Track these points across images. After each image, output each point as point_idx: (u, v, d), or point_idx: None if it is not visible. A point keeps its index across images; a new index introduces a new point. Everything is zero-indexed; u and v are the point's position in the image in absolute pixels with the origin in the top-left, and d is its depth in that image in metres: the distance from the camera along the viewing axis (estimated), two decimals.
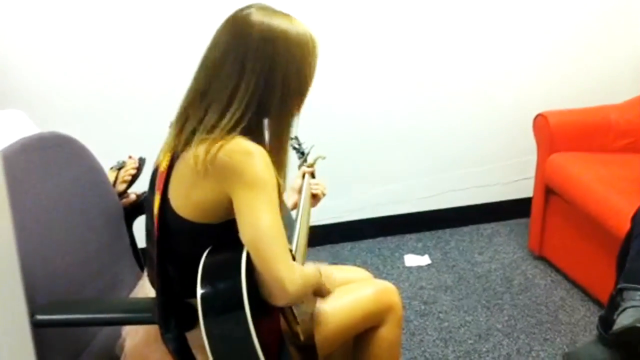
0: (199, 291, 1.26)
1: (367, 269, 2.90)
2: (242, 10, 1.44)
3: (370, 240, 3.24)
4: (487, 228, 3.38)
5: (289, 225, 1.56)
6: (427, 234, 3.31)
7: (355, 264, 3.02)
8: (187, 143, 1.39)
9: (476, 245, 3.22)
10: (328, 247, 3.17)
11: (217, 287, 1.28)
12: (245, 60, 1.38)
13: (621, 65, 3.35)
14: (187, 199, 1.39)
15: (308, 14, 2.78)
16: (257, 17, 1.40)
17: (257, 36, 1.38)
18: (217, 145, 1.33)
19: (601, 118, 3.02)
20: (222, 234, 1.37)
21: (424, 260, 3.07)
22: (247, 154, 1.33)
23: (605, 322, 2.25)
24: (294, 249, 1.58)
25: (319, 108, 2.94)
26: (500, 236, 3.31)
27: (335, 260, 3.06)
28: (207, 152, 1.33)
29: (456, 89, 3.16)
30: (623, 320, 2.06)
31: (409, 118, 3.14)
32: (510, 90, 3.24)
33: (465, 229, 3.36)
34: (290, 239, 1.56)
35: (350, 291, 1.75)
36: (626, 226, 2.33)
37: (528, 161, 3.12)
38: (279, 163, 1.45)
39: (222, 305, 1.26)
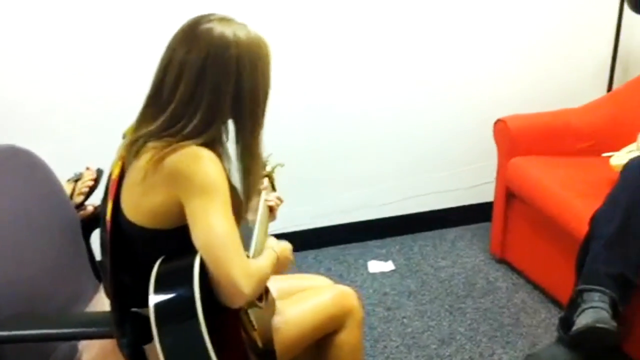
0: (151, 301, 1.24)
1: (331, 276, 2.94)
2: (198, 19, 1.43)
3: (334, 247, 3.23)
4: (450, 233, 3.39)
5: (247, 238, 1.56)
6: (391, 239, 3.31)
7: (319, 272, 3.01)
8: (139, 151, 1.38)
9: (439, 250, 3.23)
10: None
11: (169, 296, 1.26)
12: (202, 70, 1.37)
13: (581, 69, 3.40)
14: (139, 206, 1.37)
15: (277, 18, 2.81)
16: (213, 26, 1.39)
17: (214, 45, 1.38)
18: (167, 150, 1.32)
19: (561, 122, 3.06)
20: (176, 239, 1.35)
21: (388, 266, 3.07)
22: (197, 158, 1.32)
23: (566, 324, 2.27)
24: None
25: (278, 114, 2.94)
26: (463, 240, 3.32)
27: (299, 269, 3.04)
28: (158, 157, 1.31)
29: (417, 96, 3.17)
30: (582, 320, 2.09)
31: (369, 125, 3.14)
32: (471, 95, 3.26)
33: (429, 234, 3.37)
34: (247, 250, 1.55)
35: (309, 297, 1.76)
36: (585, 228, 2.36)
37: (489, 165, 3.14)
38: (252, 174, 1.45)
39: (176, 315, 1.24)
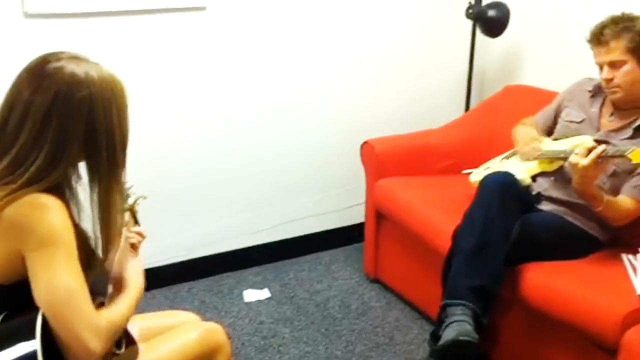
0: None
1: (205, 308, 2.91)
2: (46, 57, 1.36)
3: (209, 278, 3.17)
4: (325, 256, 3.42)
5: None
6: (267, 266, 3.29)
7: (193, 304, 2.95)
8: None
9: (315, 274, 3.25)
10: (165, 289, 3.06)
11: (10, 357, 1.18)
12: (49, 112, 1.31)
13: (440, 91, 3.55)
14: None
15: (144, 47, 2.75)
16: (63, 65, 1.33)
17: (64, 85, 1.32)
18: (7, 199, 1.24)
19: (422, 142, 3.18)
20: (18, 295, 1.27)
21: (264, 294, 3.05)
22: (37, 208, 1.25)
23: (435, 338, 2.34)
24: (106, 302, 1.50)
25: (145, 146, 2.88)
26: (338, 263, 3.36)
27: (173, 304, 2.96)
28: None
29: (286, 121, 3.19)
30: (447, 335, 2.16)
31: (241, 153, 3.12)
32: (340, 119, 3.32)
33: (304, 258, 3.39)
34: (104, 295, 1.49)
35: (175, 337, 1.70)
36: (449, 244, 2.45)
37: (361, 187, 3.20)
38: (110, 220, 1.39)
39: None
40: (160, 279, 3.03)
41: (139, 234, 1.82)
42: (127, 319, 1.45)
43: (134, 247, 1.81)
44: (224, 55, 2.97)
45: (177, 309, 2.85)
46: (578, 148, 2.28)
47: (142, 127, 2.85)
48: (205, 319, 2.56)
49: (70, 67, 1.34)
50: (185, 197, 3.05)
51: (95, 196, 1.41)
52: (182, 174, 3.01)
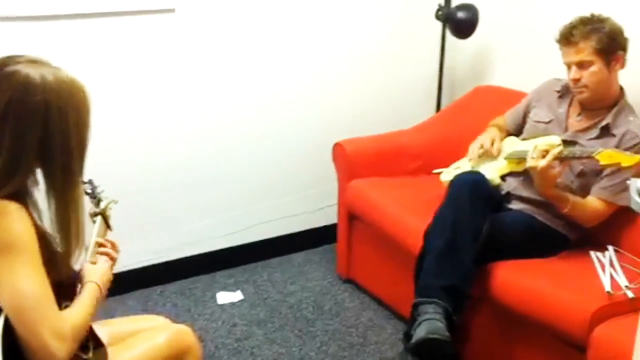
0: None
1: (178, 311, 2.89)
2: (4, 60, 1.34)
3: (181, 281, 3.15)
4: (298, 257, 3.42)
5: None
6: (240, 268, 3.28)
7: (165, 308, 2.93)
8: None
9: (288, 275, 3.25)
10: (137, 292, 3.04)
11: None
12: (4, 117, 1.29)
13: (411, 91, 3.57)
14: None
15: (112, 53, 2.72)
16: (19, 69, 1.32)
17: (18, 90, 1.30)
18: None
19: (394, 143, 3.19)
20: None
21: (237, 296, 3.04)
22: (0, 215, 1.24)
23: (408, 337, 2.35)
24: None
25: (116, 150, 2.86)
26: (311, 264, 3.36)
27: (145, 307, 2.94)
28: None
29: (256, 123, 3.19)
30: (419, 333, 2.18)
31: (211, 155, 3.11)
32: (310, 120, 3.32)
33: (277, 259, 3.38)
34: None
35: (144, 340, 1.70)
36: (420, 244, 2.47)
37: (332, 187, 3.21)
38: (69, 224, 1.38)
39: None
40: (132, 282, 3.01)
41: (113, 246, 1.78)
42: (89, 320, 1.43)
43: (110, 258, 1.76)
44: (194, 57, 2.96)
45: (150, 312, 2.84)
46: (533, 151, 2.32)
47: (112, 130, 2.84)
48: (177, 322, 2.55)
49: (27, 71, 1.32)
50: (157, 200, 3.03)
51: (52, 203, 1.39)
52: (153, 177, 2.99)
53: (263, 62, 3.13)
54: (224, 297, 3.03)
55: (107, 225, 1.86)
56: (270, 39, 3.12)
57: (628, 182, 1.46)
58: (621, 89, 2.51)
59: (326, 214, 3.45)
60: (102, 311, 1.64)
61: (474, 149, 2.74)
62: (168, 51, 2.89)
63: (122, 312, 2.76)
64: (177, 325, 1.81)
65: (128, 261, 2.97)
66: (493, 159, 2.71)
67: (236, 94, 3.10)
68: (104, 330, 1.68)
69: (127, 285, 3.00)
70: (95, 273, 1.55)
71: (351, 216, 3.08)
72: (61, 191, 1.37)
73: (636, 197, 1.36)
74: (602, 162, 2.20)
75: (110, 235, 1.88)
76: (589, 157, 2.25)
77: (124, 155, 2.90)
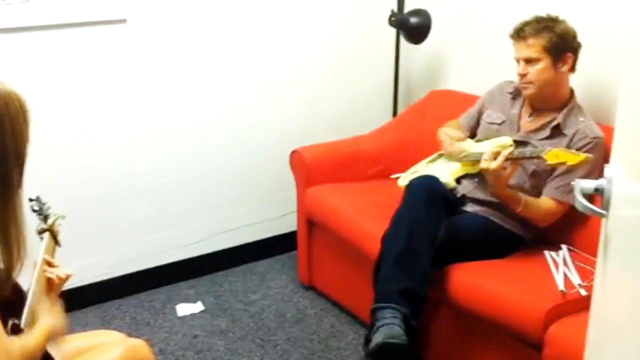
0: None
1: (137, 325, 2.85)
2: None
3: (140, 294, 3.11)
4: (260, 265, 3.41)
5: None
6: (200, 279, 3.26)
7: (124, 322, 2.90)
8: None
9: (250, 284, 3.23)
10: (95, 307, 2.99)
11: None
12: None
13: (368, 97, 3.59)
14: None
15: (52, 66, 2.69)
16: None
17: None
18: None
19: (352, 149, 3.20)
20: None
21: (197, 307, 3.01)
22: None
23: (368, 342, 2.35)
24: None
25: (67, 162, 2.82)
26: (272, 272, 3.35)
27: (103, 322, 2.90)
28: None
29: (212, 132, 3.17)
30: (377, 338, 2.18)
31: (168, 165, 3.09)
32: (266, 129, 3.31)
33: (238, 269, 3.36)
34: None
35: (98, 355, 1.68)
36: (379, 249, 2.48)
37: (291, 195, 3.21)
38: (10, 240, 1.35)
39: None
40: (89, 297, 2.97)
41: (59, 276, 1.72)
42: (40, 351, 1.41)
43: (51, 282, 1.70)
44: (147, 68, 2.93)
45: (108, 326, 2.81)
46: (485, 154, 2.35)
47: (65, 142, 2.80)
48: (137, 336, 2.52)
49: None
50: (113, 212, 2.99)
51: None
52: (108, 189, 2.96)
53: (218, 71, 3.12)
54: (184, 309, 3.00)
55: (56, 242, 1.82)
56: (224, 48, 3.11)
57: (572, 183, 1.49)
58: (572, 90, 2.56)
59: (287, 222, 3.44)
60: None
61: (458, 147, 2.72)
62: (120, 62, 2.86)
63: (79, 328, 2.70)
64: (132, 340, 1.79)
65: (84, 275, 2.93)
66: (448, 162, 2.74)
67: (191, 104, 3.08)
68: (57, 347, 1.65)
69: (85, 300, 2.96)
70: (47, 312, 1.51)
71: (311, 223, 3.08)
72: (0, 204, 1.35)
73: (580, 198, 1.38)
74: (549, 162, 2.25)
75: (65, 250, 1.85)
76: (538, 157, 2.30)
77: (78, 167, 2.86)
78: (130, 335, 1.88)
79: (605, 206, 1.39)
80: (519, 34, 2.46)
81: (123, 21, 2.81)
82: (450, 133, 2.77)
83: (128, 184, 3.00)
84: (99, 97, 2.85)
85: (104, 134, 2.90)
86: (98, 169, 2.91)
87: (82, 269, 2.93)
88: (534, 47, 2.43)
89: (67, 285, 1.83)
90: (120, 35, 2.83)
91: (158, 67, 2.96)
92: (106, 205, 2.96)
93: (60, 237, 1.86)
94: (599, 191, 1.38)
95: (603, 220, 1.46)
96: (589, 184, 1.39)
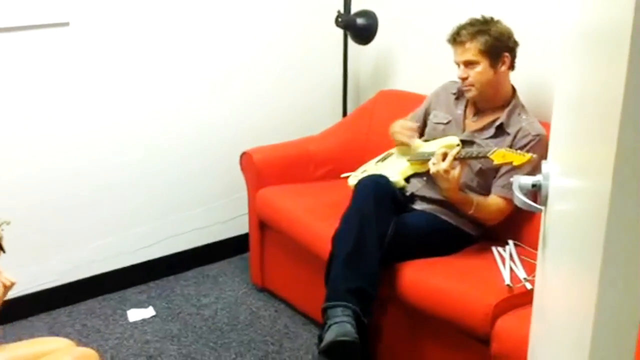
0: None
1: (87, 332, 2.81)
2: None
3: (90, 300, 3.06)
4: (212, 269, 3.39)
5: None
6: (151, 284, 3.22)
7: (74, 329, 2.85)
8: None
9: (202, 287, 3.22)
10: (43, 315, 2.94)
11: None
12: None
13: (318, 98, 3.60)
14: None
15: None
16: None
17: None
18: None
19: (302, 150, 3.21)
20: None
21: (148, 312, 2.98)
22: None
23: (321, 341, 2.37)
24: None
25: (13, 166, 2.76)
26: (225, 275, 3.34)
27: (52, 329, 2.85)
28: None
29: (160, 136, 3.14)
30: (328, 336, 2.20)
31: (115, 168, 3.05)
32: (216, 131, 3.30)
33: (190, 273, 3.34)
34: None
35: None
36: (329, 249, 2.49)
37: (243, 197, 3.20)
38: None
39: None
40: (37, 305, 2.92)
41: (4, 283, 1.70)
42: None
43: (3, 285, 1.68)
44: (91, 71, 2.89)
45: (58, 335, 2.75)
46: (433, 157, 2.39)
47: (7, 146, 2.74)
48: (88, 343, 2.50)
49: None
50: (58, 218, 2.94)
51: None
52: (53, 195, 2.90)
53: (163, 73, 3.09)
54: (135, 314, 2.96)
55: (0, 248, 1.80)
56: (169, 50, 3.08)
57: (511, 179, 1.52)
58: (513, 89, 2.61)
59: (239, 224, 3.43)
60: (5, 336, 1.58)
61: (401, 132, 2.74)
62: (64, 65, 2.82)
63: (28, 337, 2.64)
64: (81, 348, 1.77)
65: (32, 283, 2.87)
66: (398, 160, 2.77)
67: (137, 107, 3.05)
68: (3, 356, 1.62)
69: (33, 308, 2.91)
70: None
71: (262, 225, 3.07)
72: None
73: (518, 194, 1.42)
74: (495, 162, 2.30)
75: (10, 257, 1.82)
76: (484, 156, 2.34)
77: (23, 173, 2.80)
78: (80, 343, 1.86)
79: (543, 201, 1.43)
80: (455, 38, 2.51)
81: (66, 24, 2.77)
82: (403, 124, 2.78)
83: (74, 189, 2.96)
84: (42, 101, 2.80)
85: (47, 139, 2.85)
86: (43, 174, 2.86)
87: (29, 276, 2.88)
88: (470, 50, 2.48)
89: (14, 294, 1.81)
90: (64, 38, 2.78)
91: (102, 70, 2.92)
92: (53, 211, 2.91)
93: (4, 243, 1.84)
94: (536, 187, 1.42)
95: (542, 215, 1.50)
96: (527, 180, 1.43)
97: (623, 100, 0.74)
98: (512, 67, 2.54)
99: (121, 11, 2.90)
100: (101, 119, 2.96)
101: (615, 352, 0.84)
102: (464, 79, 2.52)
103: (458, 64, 2.54)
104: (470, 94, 2.55)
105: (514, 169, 2.44)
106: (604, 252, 0.80)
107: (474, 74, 2.49)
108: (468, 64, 2.49)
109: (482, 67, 2.48)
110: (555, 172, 1.34)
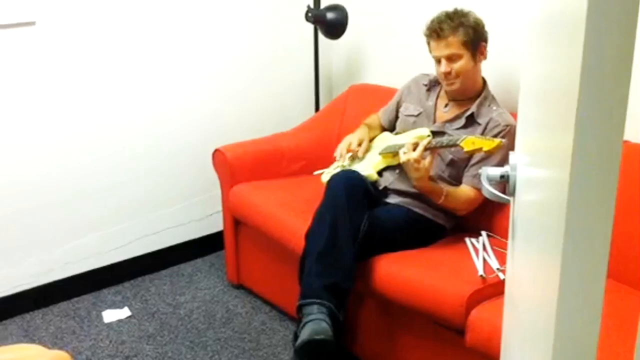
0: None
1: (62, 334, 2.79)
2: None
3: (64, 302, 3.03)
4: (187, 267, 3.37)
5: None
6: (126, 284, 3.20)
7: (48, 332, 2.82)
8: None
9: (177, 286, 3.20)
10: (17, 319, 2.90)
11: None
12: None
13: (290, 94, 3.60)
14: None
15: None
16: None
17: None
18: None
19: (274, 146, 3.20)
20: None
21: (124, 312, 2.96)
22: None
23: (297, 338, 2.37)
24: None
25: None
26: (201, 273, 3.32)
27: (27, 333, 2.81)
28: None
29: (132, 134, 3.12)
30: (303, 334, 2.19)
31: (87, 168, 3.01)
32: (188, 129, 3.28)
33: (165, 272, 3.32)
34: None
35: None
36: (303, 245, 2.49)
37: (217, 195, 3.18)
38: None
39: None
40: (10, 309, 2.88)
41: None
42: None
43: None
44: (58, 70, 2.85)
45: (32, 337, 2.73)
46: (404, 147, 2.40)
47: None
48: (63, 346, 2.48)
49: None
50: (30, 220, 2.90)
51: None
52: (23, 197, 2.87)
53: (132, 72, 3.06)
54: (111, 315, 2.94)
55: None
56: (138, 48, 3.06)
57: (479, 171, 1.53)
58: (484, 80, 2.63)
59: (213, 221, 3.41)
60: None
61: (342, 149, 2.79)
62: (30, 65, 2.78)
63: (2, 341, 2.63)
64: (53, 352, 1.73)
65: (4, 286, 2.85)
66: (368, 155, 2.78)
67: (106, 106, 3.02)
68: None
69: (5, 312, 2.88)
70: None
71: (236, 221, 3.06)
72: None
73: (487, 185, 1.43)
74: (466, 149, 2.31)
75: None
76: (455, 145, 2.35)
77: None
78: (55, 345, 1.84)
79: (512, 192, 1.44)
80: (437, 33, 2.49)
81: (32, 24, 2.73)
82: (360, 131, 2.83)
83: (45, 191, 2.92)
84: (8, 102, 2.76)
85: (14, 140, 2.81)
86: (13, 176, 2.82)
87: (1, 279, 2.84)
88: (454, 44, 2.47)
89: None
90: (29, 37, 2.74)
91: (69, 70, 2.88)
92: (25, 213, 2.87)
93: None
94: (504, 177, 1.42)
95: (511, 206, 1.51)
96: (495, 172, 1.44)
97: (579, 88, 0.75)
98: (485, 56, 2.56)
99: (88, 10, 2.87)
100: (69, 121, 2.93)
101: (580, 339, 0.85)
102: (447, 74, 2.51)
103: (438, 59, 2.53)
104: (454, 87, 2.55)
105: (483, 159, 2.46)
106: (564, 240, 0.81)
107: (458, 67, 2.49)
108: (451, 58, 2.49)
109: (465, 60, 2.48)
110: (522, 163, 1.35)
